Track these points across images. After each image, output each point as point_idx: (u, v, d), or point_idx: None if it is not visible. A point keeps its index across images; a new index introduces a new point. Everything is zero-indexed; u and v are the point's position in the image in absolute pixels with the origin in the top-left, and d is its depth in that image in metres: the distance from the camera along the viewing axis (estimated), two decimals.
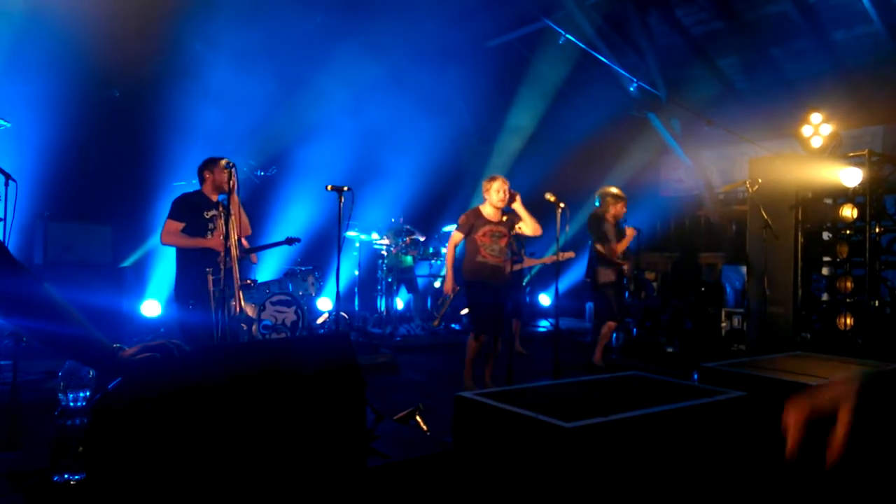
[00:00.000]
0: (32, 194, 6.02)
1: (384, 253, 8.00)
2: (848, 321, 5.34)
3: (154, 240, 7.18)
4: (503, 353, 4.97)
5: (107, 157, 7.25)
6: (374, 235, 8.10)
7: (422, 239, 8.15)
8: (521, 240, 6.39)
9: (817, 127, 5.89)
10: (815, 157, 5.83)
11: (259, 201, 7.77)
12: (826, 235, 5.70)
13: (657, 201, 10.35)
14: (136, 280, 7.13)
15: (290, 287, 6.39)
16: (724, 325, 7.02)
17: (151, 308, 6.81)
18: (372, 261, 8.37)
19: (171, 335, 5.27)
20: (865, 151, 5.41)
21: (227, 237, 3.55)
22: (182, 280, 4.00)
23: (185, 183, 6.45)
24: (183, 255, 4.00)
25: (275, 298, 6.04)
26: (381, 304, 8.13)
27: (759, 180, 5.51)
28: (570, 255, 6.34)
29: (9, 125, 4.50)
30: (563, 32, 7.88)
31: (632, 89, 8.62)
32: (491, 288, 4.78)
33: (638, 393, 2.38)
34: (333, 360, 1.54)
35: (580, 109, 9.89)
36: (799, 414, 1.01)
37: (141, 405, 1.26)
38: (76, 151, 6.87)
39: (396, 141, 9.35)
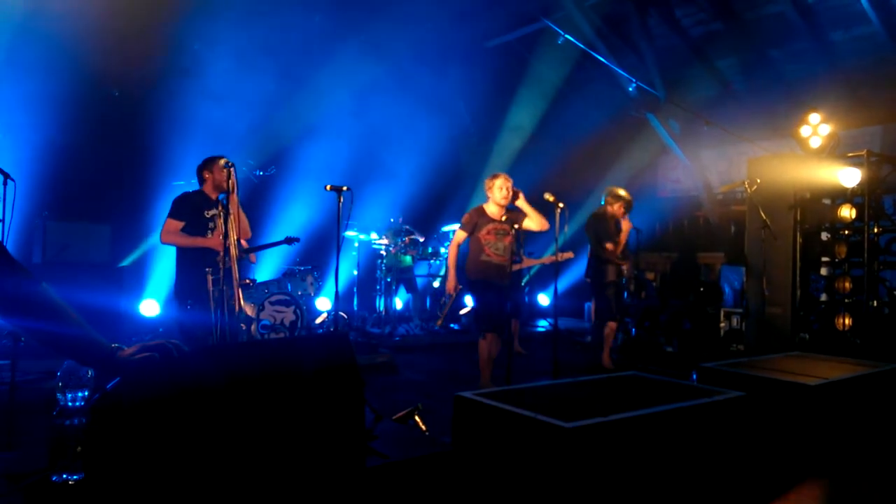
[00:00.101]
0: (31, 194, 6.01)
1: (383, 253, 7.99)
2: (846, 321, 5.34)
3: (153, 239, 7.18)
4: (502, 353, 4.96)
5: (105, 157, 7.25)
6: (374, 235, 8.10)
7: (421, 239, 8.15)
8: (520, 240, 6.40)
9: (816, 127, 5.90)
10: (814, 157, 5.83)
11: (258, 201, 7.76)
12: (824, 236, 5.70)
13: (656, 201, 10.36)
14: (134, 280, 7.13)
15: (289, 287, 6.38)
16: (722, 325, 7.03)
17: (150, 308, 6.81)
18: (371, 261, 8.37)
19: (169, 335, 5.27)
20: (864, 152, 5.41)
21: (226, 237, 3.55)
22: (181, 279, 4.00)
23: (184, 182, 6.44)
24: (183, 255, 3.99)
25: (273, 298, 6.03)
26: (380, 303, 8.13)
27: (758, 180, 5.52)
28: (569, 255, 6.34)
29: None
30: (563, 33, 7.88)
31: (631, 89, 8.63)
32: (495, 287, 4.74)
33: (637, 393, 2.38)
34: (332, 360, 1.54)
35: (579, 110, 9.90)
36: None
37: (139, 405, 1.26)
38: (75, 151, 6.86)
39: (396, 141, 9.35)
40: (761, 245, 5.38)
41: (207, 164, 4.08)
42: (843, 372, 3.06)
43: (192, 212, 3.97)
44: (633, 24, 8.55)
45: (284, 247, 5.96)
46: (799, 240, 5.60)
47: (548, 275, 8.85)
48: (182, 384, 1.31)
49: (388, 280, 7.99)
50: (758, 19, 8.03)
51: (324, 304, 7.50)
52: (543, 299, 9.80)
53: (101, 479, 1.24)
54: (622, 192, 6.08)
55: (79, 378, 1.34)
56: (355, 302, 8.29)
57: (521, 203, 4.73)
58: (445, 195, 9.86)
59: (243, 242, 4.32)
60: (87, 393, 1.34)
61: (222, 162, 3.82)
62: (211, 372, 1.37)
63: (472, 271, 4.83)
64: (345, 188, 3.95)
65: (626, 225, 6.11)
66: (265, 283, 6.26)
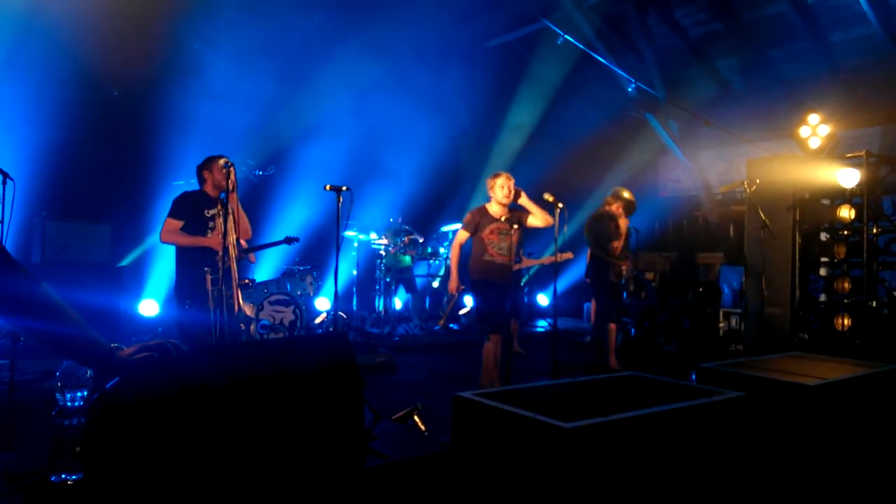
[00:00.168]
0: (30, 193, 6.01)
1: (382, 253, 8.00)
2: (845, 322, 5.34)
3: (152, 239, 7.18)
4: (501, 353, 4.96)
5: (105, 157, 7.25)
6: (373, 235, 8.10)
7: (420, 239, 8.15)
8: (520, 240, 6.39)
9: (815, 128, 5.90)
10: (813, 157, 5.83)
11: (257, 201, 7.76)
12: (824, 236, 5.70)
13: (655, 202, 10.36)
14: (133, 280, 7.13)
15: (289, 287, 6.38)
16: (722, 325, 7.03)
17: (149, 307, 6.81)
18: (370, 261, 8.37)
19: (168, 335, 5.26)
20: (863, 152, 5.42)
21: (225, 236, 3.55)
22: (181, 279, 4.00)
23: (183, 182, 6.45)
24: (182, 254, 4.00)
25: (273, 298, 6.03)
26: (380, 303, 8.13)
27: (757, 181, 5.52)
28: (569, 255, 6.34)
29: None
30: (562, 33, 7.89)
31: (630, 90, 8.63)
32: (498, 287, 4.70)
33: (636, 393, 2.38)
34: (331, 360, 1.54)
35: (579, 110, 9.90)
36: None
37: (139, 405, 1.26)
38: (74, 151, 6.86)
39: (395, 141, 9.35)
40: (760, 245, 5.38)
41: (207, 163, 4.08)
42: (842, 372, 3.06)
43: (192, 211, 3.97)
44: (633, 25, 8.55)
45: (284, 246, 5.95)
46: (798, 240, 5.60)
47: (547, 275, 8.86)
48: (181, 384, 1.31)
49: (388, 280, 7.99)
50: (757, 20, 8.04)
51: (323, 303, 7.50)
52: (543, 299, 9.81)
53: (100, 480, 1.24)
54: (626, 194, 6.07)
55: (78, 378, 1.34)
56: (354, 302, 8.29)
57: (524, 201, 4.68)
58: (445, 195, 9.86)
59: (242, 242, 4.32)
60: (86, 393, 1.34)
61: (221, 162, 3.82)
62: (210, 372, 1.38)
63: (474, 271, 4.77)
64: (344, 188, 3.95)
65: (623, 223, 6.12)
66: (264, 283, 6.26)
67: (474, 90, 9.54)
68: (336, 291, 4.01)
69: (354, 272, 8.12)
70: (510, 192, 4.65)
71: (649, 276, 9.12)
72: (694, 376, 3.14)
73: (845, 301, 5.42)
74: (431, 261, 8.52)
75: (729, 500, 2.16)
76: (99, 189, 7.16)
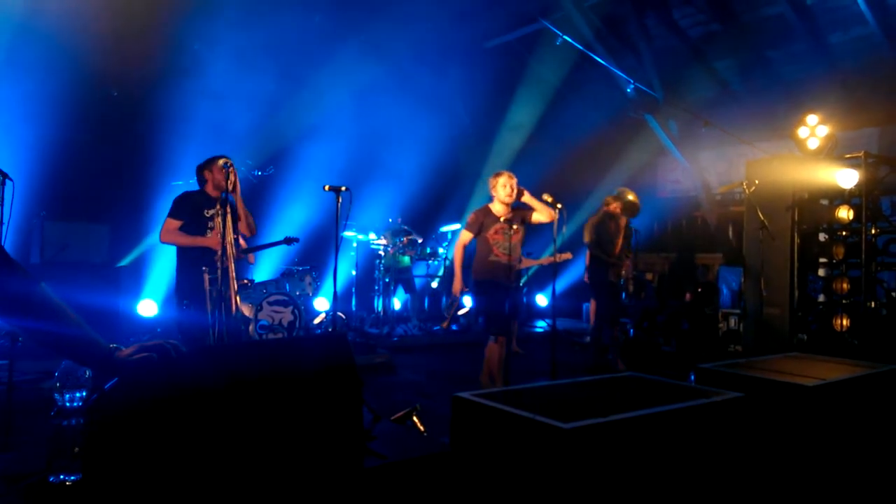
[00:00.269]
0: (29, 193, 6.00)
1: (381, 253, 7.99)
2: (844, 322, 5.35)
3: (151, 239, 7.18)
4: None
5: (104, 157, 7.24)
6: (372, 235, 8.10)
7: (419, 239, 8.15)
8: (522, 240, 6.40)
9: (813, 128, 5.91)
10: (812, 158, 5.84)
11: (256, 201, 7.75)
12: (822, 237, 5.71)
13: (654, 202, 10.38)
14: (132, 280, 7.12)
15: (288, 287, 6.38)
16: (721, 325, 7.03)
17: (148, 308, 6.80)
18: (369, 261, 8.37)
19: (167, 335, 5.26)
20: (861, 153, 5.43)
21: (223, 236, 3.55)
22: (181, 279, 4.00)
23: (182, 182, 6.44)
24: (182, 254, 4.00)
25: (272, 298, 6.03)
26: (379, 304, 8.13)
27: (756, 181, 5.52)
28: (568, 255, 6.33)
29: None
30: (561, 34, 7.89)
31: (629, 90, 8.64)
32: (503, 287, 4.65)
33: (635, 394, 2.39)
34: (330, 361, 1.54)
35: (578, 110, 9.91)
36: None
37: (138, 405, 1.26)
38: (73, 151, 6.85)
39: (394, 141, 9.35)
40: (759, 246, 5.39)
41: (207, 164, 4.08)
42: (840, 373, 3.07)
43: (191, 211, 3.97)
44: (632, 25, 8.56)
45: (283, 247, 5.94)
46: (797, 241, 5.61)
47: (546, 275, 8.85)
48: (180, 385, 1.31)
49: (387, 280, 7.99)
50: (756, 20, 8.05)
51: (322, 304, 7.50)
52: (542, 300, 9.81)
53: (99, 480, 1.24)
54: (630, 197, 6.07)
55: (77, 378, 1.34)
56: (353, 302, 8.29)
57: (528, 198, 4.64)
58: (444, 196, 9.87)
59: (242, 243, 4.32)
60: (84, 393, 1.34)
61: (221, 162, 3.82)
62: (209, 372, 1.38)
63: (479, 272, 4.71)
64: (343, 188, 3.95)
65: (622, 222, 6.12)
66: (263, 284, 6.25)
67: (474, 90, 9.54)
68: (335, 292, 4.01)
69: (353, 272, 8.12)
70: (513, 190, 4.59)
71: (649, 276, 9.13)
72: (693, 377, 3.14)
73: (844, 302, 5.43)
74: (430, 261, 8.52)
75: (728, 500, 2.16)
76: (98, 189, 7.15)
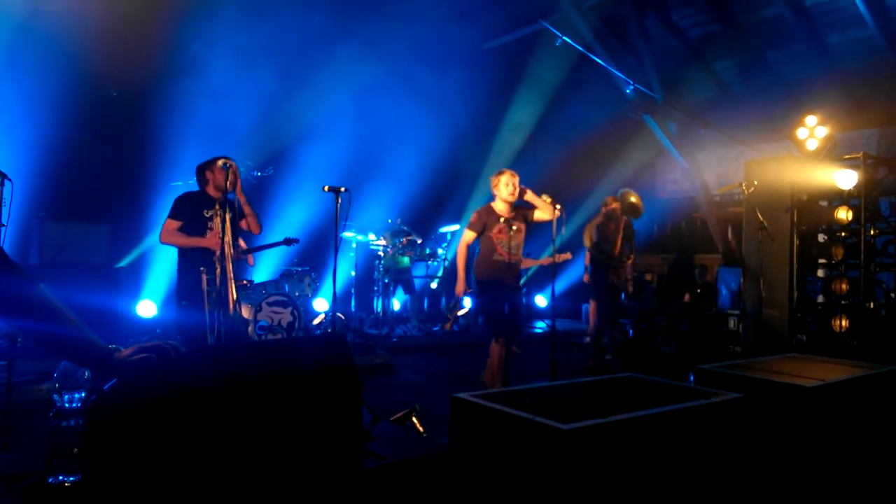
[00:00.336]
0: (29, 194, 6.00)
1: (381, 254, 7.99)
2: (843, 323, 5.36)
3: (150, 240, 7.18)
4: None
5: (103, 157, 7.24)
6: (371, 236, 8.10)
7: (419, 240, 8.15)
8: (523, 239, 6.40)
9: (812, 129, 5.91)
10: (811, 159, 5.85)
11: (256, 202, 7.74)
12: (821, 237, 5.72)
13: (654, 203, 10.38)
14: (132, 280, 7.11)
15: (287, 288, 6.38)
16: (727, 324, 7.04)
17: (147, 308, 6.79)
18: (369, 262, 8.37)
19: (166, 336, 5.26)
20: (860, 154, 5.43)
21: (222, 236, 3.55)
22: (181, 279, 4.00)
23: (181, 183, 6.43)
24: (182, 255, 4.00)
25: (271, 299, 6.03)
26: (378, 304, 8.13)
27: (755, 182, 5.53)
28: (567, 256, 6.34)
29: None
30: (560, 34, 7.90)
31: (628, 91, 8.64)
32: (506, 287, 4.63)
33: (634, 394, 2.39)
34: (330, 361, 1.54)
35: (577, 111, 9.92)
36: None
37: (137, 406, 1.26)
38: (73, 151, 6.85)
39: (394, 141, 9.35)
40: (758, 247, 5.39)
41: (208, 164, 4.08)
42: (839, 374, 3.07)
43: (191, 212, 3.97)
44: (631, 26, 8.57)
45: (282, 247, 5.94)
46: (796, 242, 5.61)
47: (545, 276, 8.85)
48: (179, 385, 1.31)
49: (386, 281, 7.99)
50: (755, 21, 8.06)
51: (321, 305, 7.50)
52: (541, 300, 9.81)
53: (98, 481, 1.24)
54: (633, 198, 6.07)
55: (76, 379, 1.34)
56: (353, 303, 8.29)
57: (530, 196, 4.62)
58: (444, 196, 9.87)
59: (241, 243, 4.32)
60: (83, 394, 1.34)
61: (220, 162, 3.82)
62: (208, 373, 1.38)
63: (483, 272, 4.67)
64: (343, 189, 3.95)
65: (622, 222, 6.13)
66: (263, 284, 6.25)
67: (474, 91, 9.55)
68: (334, 292, 4.00)
69: (353, 273, 8.12)
70: (515, 188, 4.57)
71: (648, 277, 9.14)
72: (692, 378, 3.14)
73: (843, 302, 5.43)
74: (430, 262, 8.52)
75: (727, 501, 2.16)
76: (97, 190, 7.15)
